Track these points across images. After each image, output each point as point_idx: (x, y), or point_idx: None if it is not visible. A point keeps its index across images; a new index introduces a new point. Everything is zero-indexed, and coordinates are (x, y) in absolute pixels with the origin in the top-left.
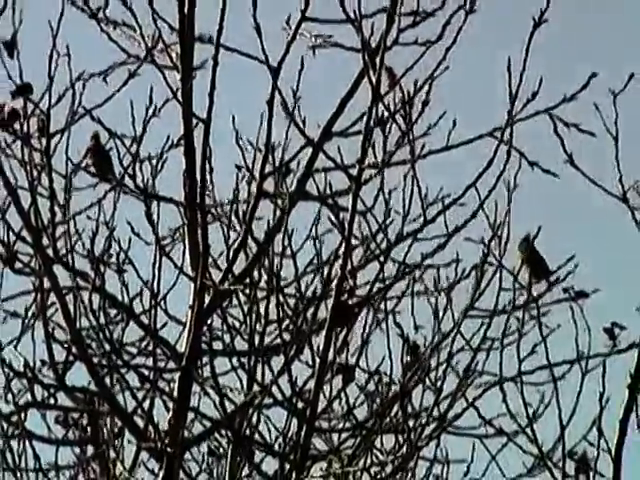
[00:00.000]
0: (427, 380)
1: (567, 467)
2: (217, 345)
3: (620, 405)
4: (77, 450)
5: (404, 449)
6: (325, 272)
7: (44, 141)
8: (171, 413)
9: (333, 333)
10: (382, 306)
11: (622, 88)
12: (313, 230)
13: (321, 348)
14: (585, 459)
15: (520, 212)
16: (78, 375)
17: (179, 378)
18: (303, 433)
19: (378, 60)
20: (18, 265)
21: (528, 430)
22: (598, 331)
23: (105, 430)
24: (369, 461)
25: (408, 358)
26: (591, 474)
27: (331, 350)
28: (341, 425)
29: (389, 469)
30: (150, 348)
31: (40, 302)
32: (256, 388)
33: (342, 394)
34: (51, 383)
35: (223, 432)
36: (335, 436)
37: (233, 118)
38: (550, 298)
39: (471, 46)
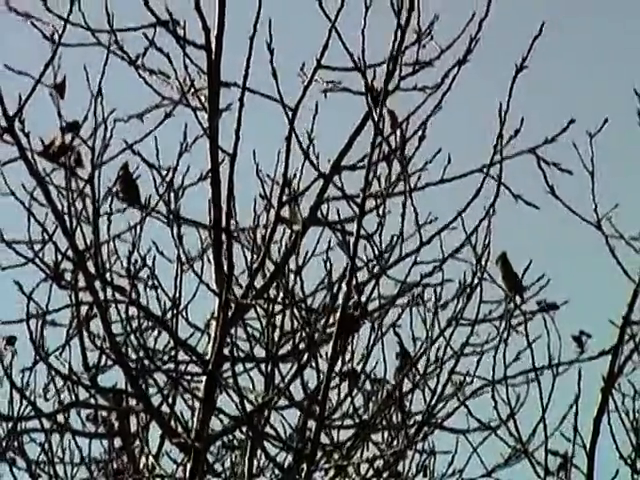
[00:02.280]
0: (417, 381)
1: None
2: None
3: (589, 403)
4: (106, 443)
5: (399, 443)
6: (334, 289)
7: (79, 171)
8: (198, 412)
9: (339, 342)
10: (382, 320)
11: (597, 130)
12: (324, 253)
13: (329, 355)
14: (566, 457)
15: (510, 237)
16: (108, 377)
17: (205, 382)
18: (314, 430)
19: (381, 103)
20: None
21: (510, 425)
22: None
23: (134, 425)
24: (366, 454)
25: (400, 361)
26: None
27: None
28: (346, 422)
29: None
30: (179, 353)
31: (77, 314)
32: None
33: (348, 396)
34: (90, 385)
35: (242, 428)
36: (341, 432)
37: (254, 152)
38: (526, 309)
39: (467, 90)
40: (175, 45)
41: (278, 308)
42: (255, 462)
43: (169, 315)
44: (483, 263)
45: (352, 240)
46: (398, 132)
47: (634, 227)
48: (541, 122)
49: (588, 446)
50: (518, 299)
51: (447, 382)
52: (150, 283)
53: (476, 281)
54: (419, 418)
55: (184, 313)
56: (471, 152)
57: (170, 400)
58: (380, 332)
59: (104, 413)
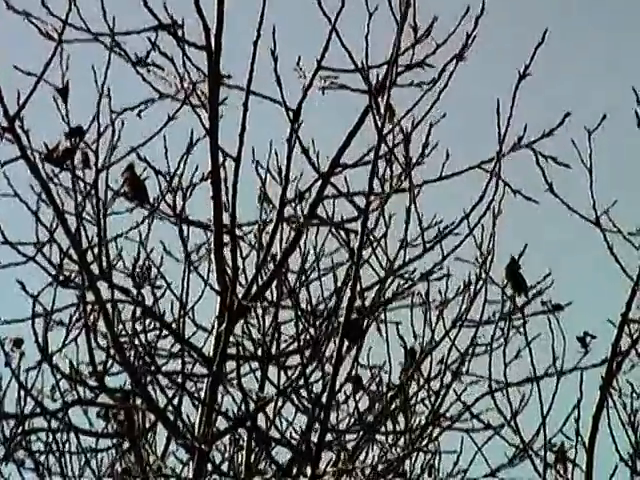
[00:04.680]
0: (422, 380)
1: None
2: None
3: (591, 403)
4: (114, 442)
5: (403, 444)
6: (336, 291)
7: (86, 172)
8: (201, 411)
9: (344, 346)
10: (384, 318)
11: (595, 127)
12: (326, 253)
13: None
14: (563, 451)
15: (509, 234)
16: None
17: (208, 381)
18: (318, 432)
19: (381, 101)
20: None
21: (512, 424)
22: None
23: (139, 424)
24: (371, 455)
25: (406, 361)
26: (568, 464)
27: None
28: (349, 423)
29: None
30: (182, 353)
31: (84, 313)
32: (275, 390)
33: (352, 398)
34: (97, 385)
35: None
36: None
37: (253, 150)
38: (530, 310)
39: (467, 87)
40: (176, 47)
41: (281, 308)
42: (256, 462)
43: (176, 315)
44: (487, 264)
45: (356, 244)
46: (397, 128)
47: (632, 223)
48: (539, 118)
49: (587, 442)
50: (520, 300)
51: (451, 383)
52: (156, 284)
53: (480, 282)
54: (423, 419)
55: (191, 314)
56: (468, 149)
57: (176, 400)
58: (386, 330)
59: (113, 411)
